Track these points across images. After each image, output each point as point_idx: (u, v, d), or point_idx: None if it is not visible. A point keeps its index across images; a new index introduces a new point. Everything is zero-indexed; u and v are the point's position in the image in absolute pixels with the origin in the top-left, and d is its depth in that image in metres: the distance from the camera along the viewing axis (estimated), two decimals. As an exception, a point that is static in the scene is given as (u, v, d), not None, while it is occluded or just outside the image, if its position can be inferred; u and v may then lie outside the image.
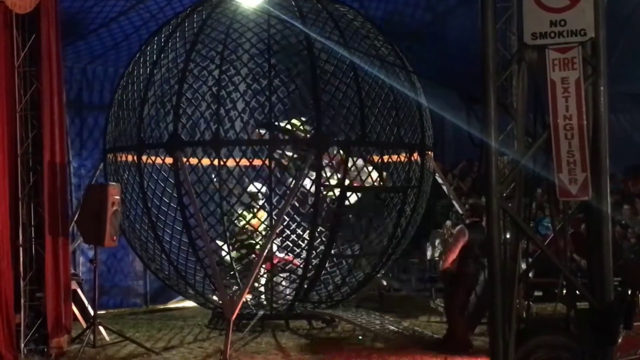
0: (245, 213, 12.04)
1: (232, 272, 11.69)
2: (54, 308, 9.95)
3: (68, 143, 11.77)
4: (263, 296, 11.97)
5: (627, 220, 14.40)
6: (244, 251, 11.92)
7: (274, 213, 11.45)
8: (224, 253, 11.88)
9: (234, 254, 11.84)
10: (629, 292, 7.25)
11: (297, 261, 11.88)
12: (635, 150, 16.42)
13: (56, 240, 10.04)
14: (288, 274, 11.97)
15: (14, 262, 9.75)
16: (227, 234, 11.80)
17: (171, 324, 12.67)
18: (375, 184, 11.86)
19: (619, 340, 7.13)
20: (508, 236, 7.76)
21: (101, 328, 10.69)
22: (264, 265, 11.57)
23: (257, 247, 11.74)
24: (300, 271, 11.74)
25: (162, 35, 12.02)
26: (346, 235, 12.09)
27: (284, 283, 12.00)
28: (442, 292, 11.42)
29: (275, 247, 11.80)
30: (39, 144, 10.04)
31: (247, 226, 11.94)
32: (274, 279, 11.75)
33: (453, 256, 10.22)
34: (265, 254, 10.89)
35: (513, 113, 7.48)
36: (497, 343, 7.13)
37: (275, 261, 11.74)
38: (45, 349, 9.87)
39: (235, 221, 12.11)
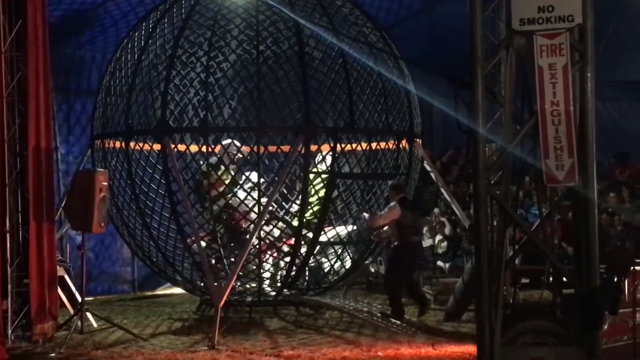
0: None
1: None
2: (38, 294, 9.94)
3: (55, 129, 11.73)
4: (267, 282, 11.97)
5: (613, 207, 14.47)
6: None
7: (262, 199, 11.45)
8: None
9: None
10: (615, 279, 7.25)
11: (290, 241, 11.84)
12: (623, 138, 16.51)
13: (41, 226, 10.01)
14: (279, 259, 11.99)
15: (1, 249, 9.72)
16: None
17: (159, 310, 12.68)
18: None
19: (605, 326, 7.17)
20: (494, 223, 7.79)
21: (89, 314, 10.66)
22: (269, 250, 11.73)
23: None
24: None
25: (150, 22, 11.97)
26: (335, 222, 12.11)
27: (272, 270, 12.02)
28: (388, 265, 12.00)
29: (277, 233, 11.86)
30: (26, 129, 9.99)
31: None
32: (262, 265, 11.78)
33: (379, 223, 11.34)
34: (253, 240, 10.92)
35: (501, 99, 7.49)
36: (483, 328, 7.16)
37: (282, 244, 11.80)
38: (31, 335, 9.85)
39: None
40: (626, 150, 16.66)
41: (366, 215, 11.59)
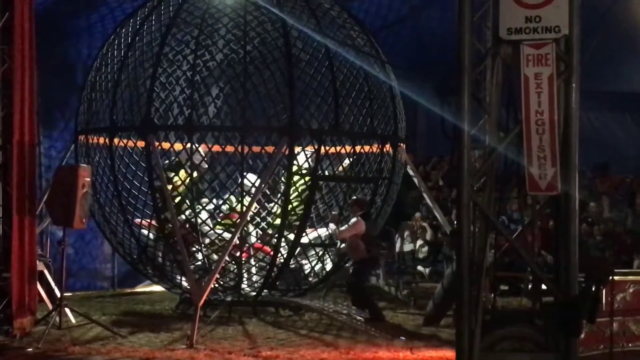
0: (232, 198, 11.94)
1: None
2: (19, 289, 9.88)
3: (38, 123, 11.65)
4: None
5: (593, 217, 14.57)
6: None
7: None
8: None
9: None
10: (594, 288, 7.31)
11: (267, 248, 11.88)
12: (604, 148, 16.65)
13: (23, 220, 9.96)
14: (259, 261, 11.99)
15: (-19, 242, 9.68)
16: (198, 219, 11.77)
17: (138, 307, 12.65)
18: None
19: (582, 334, 7.22)
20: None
21: (67, 310, 10.62)
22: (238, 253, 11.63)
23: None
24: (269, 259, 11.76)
25: (138, 18, 11.95)
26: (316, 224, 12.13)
27: (253, 270, 12.01)
28: (354, 276, 11.95)
29: (253, 235, 11.86)
30: (10, 123, 9.94)
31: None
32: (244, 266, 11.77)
33: (343, 235, 11.59)
34: (235, 240, 10.91)
35: (486, 107, 7.53)
36: (463, 334, 7.19)
37: (255, 247, 11.79)
38: (10, 330, 9.80)
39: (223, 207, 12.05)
40: (607, 161, 16.81)
41: (333, 226, 11.76)
